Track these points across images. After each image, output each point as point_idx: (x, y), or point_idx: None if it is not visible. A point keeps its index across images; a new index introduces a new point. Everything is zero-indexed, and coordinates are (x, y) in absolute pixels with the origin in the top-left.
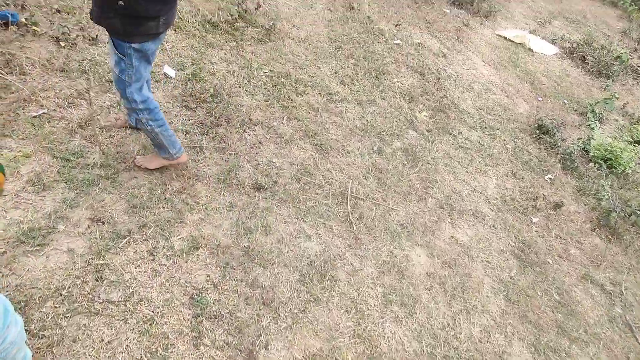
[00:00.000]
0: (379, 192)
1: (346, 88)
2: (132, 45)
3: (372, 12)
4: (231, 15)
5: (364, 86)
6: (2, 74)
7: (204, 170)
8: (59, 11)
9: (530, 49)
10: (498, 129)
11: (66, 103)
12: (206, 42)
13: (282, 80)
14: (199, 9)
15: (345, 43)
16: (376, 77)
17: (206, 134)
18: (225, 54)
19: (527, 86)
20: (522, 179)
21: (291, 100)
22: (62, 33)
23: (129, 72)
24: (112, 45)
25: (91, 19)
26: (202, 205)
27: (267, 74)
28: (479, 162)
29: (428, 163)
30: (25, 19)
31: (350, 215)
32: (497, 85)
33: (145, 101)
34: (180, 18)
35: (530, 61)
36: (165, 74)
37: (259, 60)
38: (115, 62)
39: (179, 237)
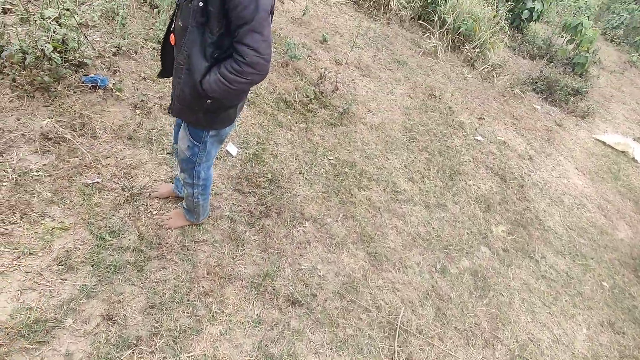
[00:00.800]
0: (436, 326)
1: (414, 186)
2: (210, 132)
3: (454, 102)
4: (307, 95)
5: (435, 186)
6: (73, 137)
7: (240, 269)
8: (145, 79)
9: (634, 159)
10: (592, 258)
11: (122, 173)
12: (276, 121)
13: (346, 170)
14: (276, 87)
15: (421, 134)
16: (450, 176)
17: (252, 226)
18: (293, 136)
19: (631, 205)
20: (623, 334)
21: (351, 194)
22: (141, 101)
23: (201, 155)
24: (186, 132)
25: (169, 114)
26: (227, 315)
27: (331, 161)
28: (566, 301)
29: (501, 294)
30: (113, 84)
31: (396, 355)
32: (592, 200)
33: (207, 179)
34: (257, 94)
35: (634, 174)
36: (228, 152)
37: (326, 145)
38: (188, 147)
39: (190, 354)
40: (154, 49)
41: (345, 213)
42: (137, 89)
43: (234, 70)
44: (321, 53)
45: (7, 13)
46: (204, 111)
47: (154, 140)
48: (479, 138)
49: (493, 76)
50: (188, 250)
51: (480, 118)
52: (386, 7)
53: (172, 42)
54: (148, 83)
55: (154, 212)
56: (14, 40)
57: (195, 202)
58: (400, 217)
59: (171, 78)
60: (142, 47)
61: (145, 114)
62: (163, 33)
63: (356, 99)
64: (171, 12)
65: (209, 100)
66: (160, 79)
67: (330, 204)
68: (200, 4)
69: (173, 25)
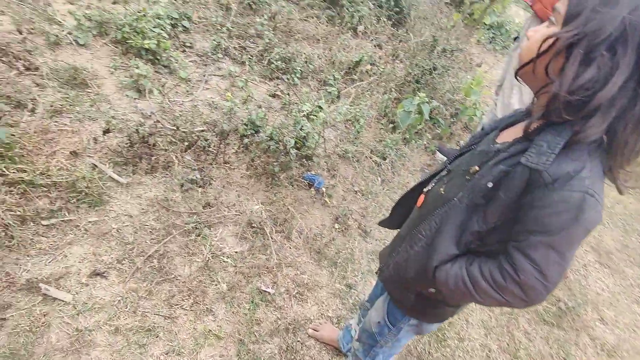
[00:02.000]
0: None
1: None
2: (411, 320)
3: None
4: None
5: None
6: (270, 232)
7: None
8: (356, 192)
9: None
10: None
11: (296, 292)
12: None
13: None
14: None
15: None
16: None
17: None
18: (491, 319)
19: None
20: None
21: None
22: (344, 214)
23: (389, 339)
24: (385, 306)
25: (376, 273)
26: None
27: None
28: None
29: None
30: (326, 189)
31: None
32: None
33: None
34: None
35: None
36: None
37: (530, 350)
38: (378, 323)
39: None
40: (375, 162)
41: None
42: (345, 200)
43: (492, 281)
44: None
45: (274, 97)
46: (419, 295)
47: (339, 264)
48: None
49: None
50: None
51: None
52: None
53: (418, 204)
54: (357, 197)
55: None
56: (269, 125)
57: None
58: None
59: (393, 230)
60: (366, 158)
61: (342, 231)
62: (409, 189)
63: (585, 296)
64: (433, 170)
65: (433, 290)
66: (381, 226)
67: None
68: (490, 184)
69: (429, 187)
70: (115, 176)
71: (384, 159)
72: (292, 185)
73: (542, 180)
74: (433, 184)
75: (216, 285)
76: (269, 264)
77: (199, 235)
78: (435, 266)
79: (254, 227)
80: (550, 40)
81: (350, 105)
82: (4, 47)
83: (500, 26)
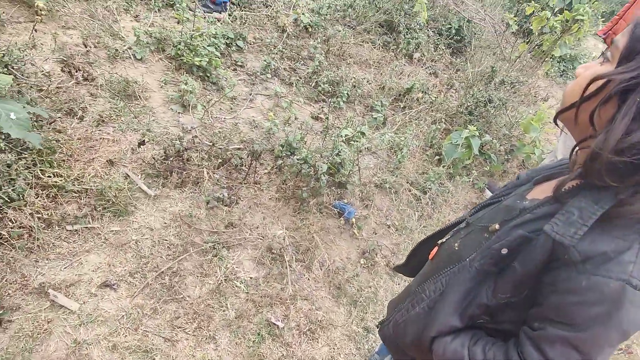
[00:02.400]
0: None
1: None
2: None
3: None
4: None
5: None
6: (289, 261)
7: None
8: (389, 227)
9: None
10: None
11: (307, 329)
12: None
13: None
14: None
15: None
16: None
17: None
18: None
19: None
20: None
21: None
22: (372, 249)
23: None
24: None
25: (377, 327)
26: None
27: None
28: None
29: None
30: (356, 220)
31: None
32: None
33: None
34: None
35: None
36: None
37: None
38: None
39: None
40: (414, 196)
41: None
42: (375, 234)
43: None
44: None
45: (317, 120)
46: None
47: (359, 303)
48: None
49: None
50: None
51: None
52: None
53: (430, 256)
54: (389, 231)
55: None
56: (306, 148)
57: None
58: None
59: (406, 278)
60: (405, 190)
61: (368, 267)
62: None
63: None
64: (454, 218)
65: None
66: (396, 272)
67: None
68: (504, 251)
69: (444, 239)
70: (145, 187)
71: (425, 193)
72: (321, 213)
73: (568, 258)
74: (449, 237)
75: (224, 311)
76: (284, 294)
77: (215, 256)
78: (432, 337)
79: (273, 252)
80: (600, 82)
81: (395, 133)
82: (68, 58)
83: (573, 59)
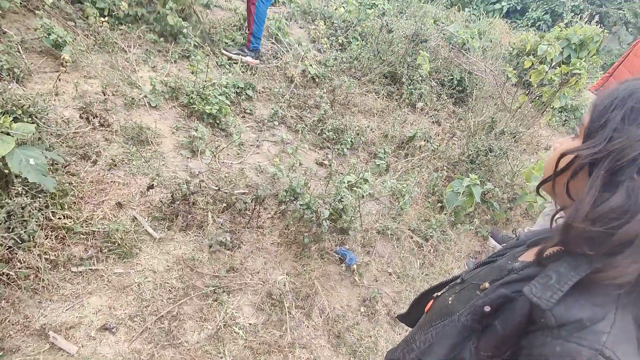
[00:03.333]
0: None
1: None
2: None
3: None
4: None
5: None
6: (289, 307)
7: None
8: (391, 274)
9: None
10: None
11: None
12: None
13: None
14: None
15: None
16: None
17: None
18: None
19: None
20: None
21: None
22: (373, 297)
23: None
24: None
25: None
26: None
27: None
28: None
29: None
30: (357, 266)
31: None
32: None
33: None
34: None
35: None
36: None
37: None
38: None
39: None
40: (416, 243)
41: None
42: (377, 281)
43: None
44: None
45: (321, 166)
46: None
47: (359, 353)
48: None
49: None
50: None
51: None
52: None
53: (426, 309)
54: (391, 279)
55: None
56: (309, 194)
57: None
58: None
59: (407, 327)
60: (407, 237)
61: (368, 315)
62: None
63: None
64: (456, 267)
65: None
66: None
67: None
68: (487, 309)
69: (440, 292)
70: (151, 230)
71: (427, 240)
72: (322, 258)
73: (544, 322)
74: (445, 291)
75: (221, 358)
76: (282, 342)
77: (215, 300)
78: None
79: (273, 298)
80: (569, 157)
81: (397, 180)
82: (86, 105)
83: (575, 109)
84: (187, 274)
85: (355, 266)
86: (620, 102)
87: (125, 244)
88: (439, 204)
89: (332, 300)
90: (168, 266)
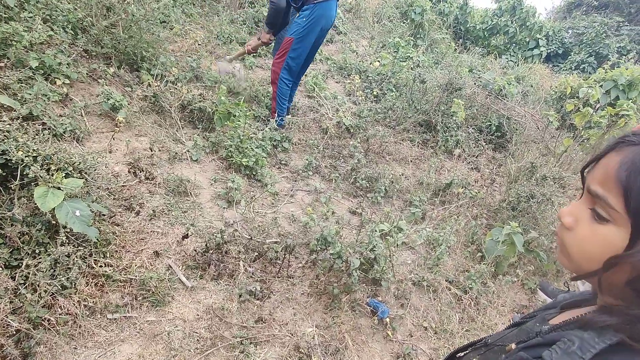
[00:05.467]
0: None
1: None
2: None
3: None
4: None
5: None
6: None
7: None
8: (426, 329)
9: None
10: None
11: None
12: None
13: None
14: None
15: None
16: None
17: None
18: None
19: None
20: None
21: None
22: (407, 354)
23: None
24: None
25: None
26: None
27: None
28: None
29: None
30: (390, 320)
31: None
32: None
33: None
34: None
35: None
36: None
37: None
38: None
39: None
40: (455, 295)
41: None
42: (412, 336)
43: None
44: None
45: (354, 214)
46: None
47: None
48: None
49: None
50: None
51: None
52: None
53: None
54: (427, 334)
55: None
56: (340, 243)
57: None
58: None
59: None
60: (444, 289)
61: None
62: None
63: None
64: (499, 329)
65: None
66: None
67: None
68: None
69: (462, 354)
70: (184, 279)
71: (466, 292)
72: (353, 310)
73: None
74: (468, 351)
75: None
76: None
77: (242, 352)
78: None
79: (301, 352)
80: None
81: (434, 229)
82: (135, 161)
83: None
84: (216, 324)
85: (388, 319)
86: None
87: (159, 292)
88: (479, 254)
89: (363, 356)
90: (198, 315)
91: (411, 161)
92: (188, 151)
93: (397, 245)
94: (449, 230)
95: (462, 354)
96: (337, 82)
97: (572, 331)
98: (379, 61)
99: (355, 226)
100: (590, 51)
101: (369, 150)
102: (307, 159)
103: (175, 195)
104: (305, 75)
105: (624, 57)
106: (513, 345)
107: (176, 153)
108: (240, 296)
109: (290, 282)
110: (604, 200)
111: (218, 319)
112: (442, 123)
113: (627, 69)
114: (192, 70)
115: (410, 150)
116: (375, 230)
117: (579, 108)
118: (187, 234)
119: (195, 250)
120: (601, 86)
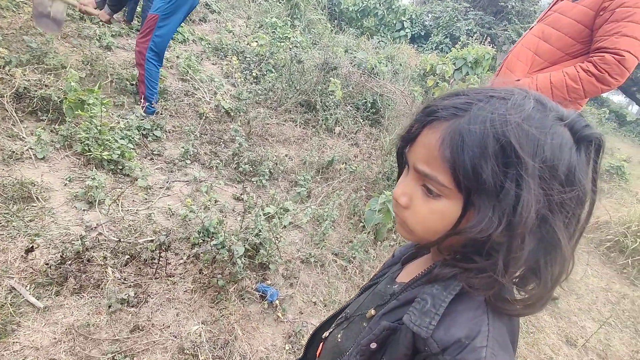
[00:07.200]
0: None
1: None
2: None
3: None
4: None
5: None
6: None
7: None
8: (315, 304)
9: None
10: None
11: None
12: None
13: None
14: None
15: None
16: None
17: None
18: None
19: None
20: None
21: None
22: (299, 331)
23: None
24: None
25: None
26: None
27: None
28: None
29: None
30: (279, 302)
31: None
32: None
33: None
34: None
35: None
36: None
37: None
38: None
39: None
40: (341, 267)
41: None
42: (302, 313)
43: None
44: (546, 320)
45: (239, 201)
46: None
47: None
48: None
49: None
50: None
51: None
52: None
53: (317, 353)
54: (317, 308)
55: None
56: (223, 232)
57: None
58: None
59: None
60: (331, 262)
61: (294, 352)
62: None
63: None
64: (338, 307)
65: None
66: None
67: None
68: (373, 345)
69: (328, 331)
70: (33, 300)
71: (350, 262)
72: (242, 299)
73: (428, 350)
74: (333, 328)
75: None
76: None
77: None
78: None
79: (186, 353)
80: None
81: (319, 206)
82: None
83: None
84: (80, 344)
85: (277, 301)
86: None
87: None
88: (361, 224)
89: (254, 343)
90: (55, 338)
91: (294, 141)
92: (30, 148)
93: (285, 226)
94: (332, 205)
95: (327, 333)
96: (213, 64)
97: (422, 288)
98: (256, 42)
99: (240, 213)
100: (446, 33)
101: (251, 133)
102: (183, 147)
103: (16, 202)
104: (177, 57)
105: (471, 38)
106: (372, 311)
107: (13, 152)
108: (109, 307)
109: (170, 281)
110: (434, 180)
111: (83, 338)
112: (321, 102)
113: (473, 49)
114: (31, 51)
115: (293, 130)
116: (260, 215)
117: (437, 83)
118: (32, 247)
119: (47, 264)
120: (454, 64)
